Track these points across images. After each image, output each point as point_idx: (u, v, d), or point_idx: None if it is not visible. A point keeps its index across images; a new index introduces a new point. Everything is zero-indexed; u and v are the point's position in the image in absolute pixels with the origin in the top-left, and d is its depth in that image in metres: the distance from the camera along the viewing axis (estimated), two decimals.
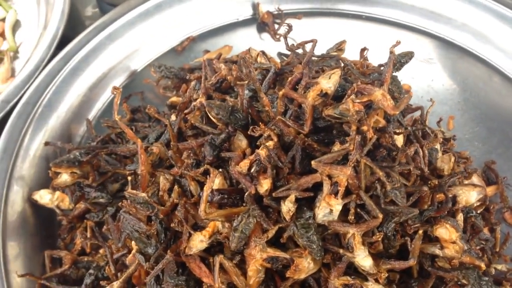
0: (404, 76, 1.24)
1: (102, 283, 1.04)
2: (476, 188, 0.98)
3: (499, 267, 1.11)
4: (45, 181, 1.23)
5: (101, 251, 1.12)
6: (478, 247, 1.07)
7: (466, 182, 1.05)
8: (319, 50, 1.15)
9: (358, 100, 0.92)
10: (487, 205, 1.19)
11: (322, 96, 0.96)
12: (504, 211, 1.23)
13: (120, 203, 0.95)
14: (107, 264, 1.04)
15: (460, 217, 0.98)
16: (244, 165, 0.93)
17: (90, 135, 1.32)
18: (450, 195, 0.95)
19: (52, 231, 1.23)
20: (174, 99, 1.34)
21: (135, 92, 1.45)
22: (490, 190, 1.25)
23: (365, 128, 0.90)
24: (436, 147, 1.08)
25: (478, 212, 1.15)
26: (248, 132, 0.96)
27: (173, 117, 1.20)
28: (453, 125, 1.38)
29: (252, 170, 0.92)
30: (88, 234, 1.11)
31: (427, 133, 1.15)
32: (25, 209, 1.20)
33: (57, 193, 1.18)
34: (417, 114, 1.22)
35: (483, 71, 1.47)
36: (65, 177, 1.16)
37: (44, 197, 1.18)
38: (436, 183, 0.95)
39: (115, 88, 1.00)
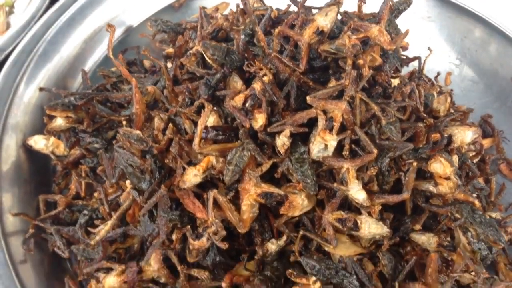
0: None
1: (97, 222, 1.04)
2: (471, 127, 0.97)
3: (493, 215, 1.11)
4: (39, 128, 1.22)
5: (95, 194, 1.12)
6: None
7: None
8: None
9: (354, 36, 0.91)
10: (483, 156, 1.19)
11: (318, 34, 0.96)
12: (499, 162, 1.23)
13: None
14: (101, 205, 1.04)
15: (455, 158, 0.97)
16: (239, 99, 0.93)
17: (86, 86, 1.31)
18: (446, 135, 0.94)
19: (47, 178, 1.23)
20: (170, 50, 1.34)
21: (131, 47, 1.44)
22: (486, 142, 1.25)
23: (361, 62, 0.90)
24: (433, 93, 1.08)
25: (474, 161, 1.16)
26: (243, 68, 0.95)
27: (169, 65, 1.19)
28: (450, 81, 1.37)
29: (247, 104, 0.92)
30: (83, 174, 1.10)
31: (424, 81, 1.14)
32: (19, 155, 1.19)
33: (52, 138, 1.18)
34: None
35: (481, 29, 1.46)
36: (59, 122, 1.15)
37: (38, 142, 1.17)
38: (432, 122, 0.95)
39: (109, 25, 0.99)
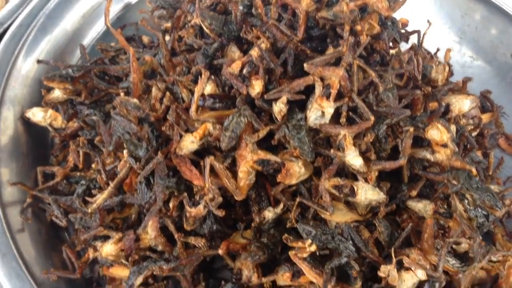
0: (401, 12, 1.22)
1: (94, 191, 1.04)
2: (469, 96, 0.97)
3: (492, 187, 1.11)
4: (37, 101, 1.22)
5: (93, 165, 1.12)
6: None
7: None
8: None
9: (352, 2, 0.91)
10: (481, 130, 1.19)
11: (316, 2, 0.95)
12: (498, 137, 1.23)
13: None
14: (99, 175, 1.04)
15: (453, 128, 0.97)
16: (236, 66, 0.92)
17: (84, 60, 1.30)
18: (443, 104, 0.94)
19: (45, 152, 1.23)
20: (168, 25, 1.33)
21: (130, 23, 1.44)
22: (485, 117, 1.24)
23: (358, 28, 0.89)
24: (432, 64, 1.08)
25: (472, 135, 1.15)
26: (241, 35, 0.95)
27: (167, 38, 1.19)
28: (450, 57, 1.36)
29: (244, 71, 0.92)
30: (81, 144, 1.10)
31: (424, 54, 1.14)
32: (17, 128, 1.19)
33: (50, 111, 1.18)
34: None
35: (482, 6, 1.45)
36: (57, 93, 1.15)
37: (36, 114, 1.17)
38: (430, 90, 0.94)
39: None
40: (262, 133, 0.90)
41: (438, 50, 1.32)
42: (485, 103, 1.28)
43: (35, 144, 1.22)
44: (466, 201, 0.90)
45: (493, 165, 1.19)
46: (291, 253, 0.87)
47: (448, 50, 1.38)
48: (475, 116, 1.20)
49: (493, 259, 0.96)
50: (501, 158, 1.20)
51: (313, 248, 0.84)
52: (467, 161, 1.06)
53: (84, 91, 1.15)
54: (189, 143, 0.91)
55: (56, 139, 1.19)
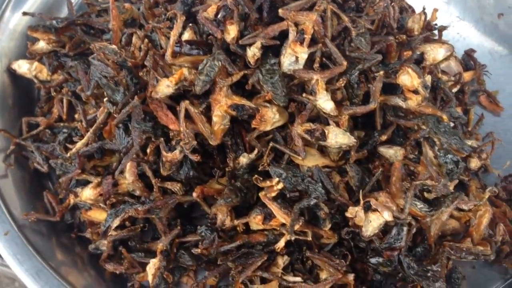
0: None
1: (75, 139, 1.06)
2: (444, 45, 0.97)
3: (469, 142, 1.12)
4: (24, 55, 1.23)
5: (76, 116, 1.13)
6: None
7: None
8: None
9: None
10: (462, 86, 1.20)
11: None
12: (479, 94, 1.24)
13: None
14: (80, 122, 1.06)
15: (428, 78, 0.97)
16: (211, 11, 0.93)
17: (71, 16, 1.31)
18: (418, 52, 0.94)
19: (31, 106, 1.24)
20: None
21: None
22: (468, 75, 1.25)
23: None
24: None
25: (453, 91, 1.16)
26: None
27: None
28: (436, 17, 1.36)
29: (219, 16, 0.93)
30: (64, 92, 1.12)
31: (405, 8, 1.14)
32: (3, 80, 1.20)
33: (35, 63, 1.19)
34: None
35: None
36: (41, 44, 1.17)
37: (22, 66, 1.19)
38: (404, 38, 0.95)
39: None
40: (236, 77, 0.91)
41: (424, 8, 1.31)
42: (468, 62, 1.28)
43: (22, 96, 1.23)
44: (436, 148, 0.91)
45: (473, 122, 1.19)
46: (261, 194, 0.88)
47: (435, 10, 1.36)
48: (458, 73, 1.20)
49: (465, 208, 0.98)
50: (481, 114, 1.20)
51: (280, 186, 0.86)
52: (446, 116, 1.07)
53: (68, 43, 1.16)
54: (165, 87, 0.93)
55: (42, 91, 1.20)
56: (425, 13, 1.03)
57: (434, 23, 1.28)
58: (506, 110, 1.23)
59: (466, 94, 1.18)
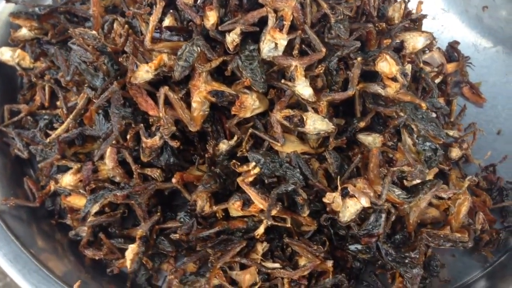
0: None
1: (56, 125, 1.06)
2: (423, 34, 0.98)
3: (451, 133, 1.13)
4: (7, 43, 1.23)
5: (58, 103, 1.13)
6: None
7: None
8: None
9: None
10: (445, 77, 1.20)
11: None
12: (462, 85, 1.24)
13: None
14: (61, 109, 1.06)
15: (409, 67, 0.98)
16: None
17: (55, 3, 1.30)
18: (397, 41, 0.95)
19: (13, 94, 1.23)
20: None
21: None
22: (451, 66, 1.25)
23: None
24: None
25: (436, 82, 1.16)
26: None
27: None
28: (421, 9, 1.36)
29: (199, 1, 0.93)
30: (46, 79, 1.12)
31: None
32: None
33: (18, 50, 1.19)
34: None
35: None
36: (24, 31, 1.16)
37: (5, 53, 1.18)
38: (384, 26, 0.95)
39: None
40: (215, 63, 0.91)
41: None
42: (452, 53, 1.29)
43: (4, 84, 1.23)
44: (415, 136, 0.91)
45: (456, 113, 1.20)
46: (238, 179, 0.89)
47: (420, 2, 1.37)
48: (441, 64, 1.20)
49: (444, 196, 0.98)
50: (464, 105, 1.21)
51: (257, 170, 0.86)
52: (428, 106, 1.08)
53: (51, 31, 1.16)
54: (144, 72, 0.92)
55: (24, 79, 1.20)
56: (405, 2, 1.04)
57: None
58: (488, 101, 1.23)
59: (449, 85, 1.19)
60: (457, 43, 1.30)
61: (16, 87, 1.25)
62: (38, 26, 1.15)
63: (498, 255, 1.04)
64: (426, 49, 1.22)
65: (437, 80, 1.18)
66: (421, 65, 1.08)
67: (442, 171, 1.05)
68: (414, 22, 1.19)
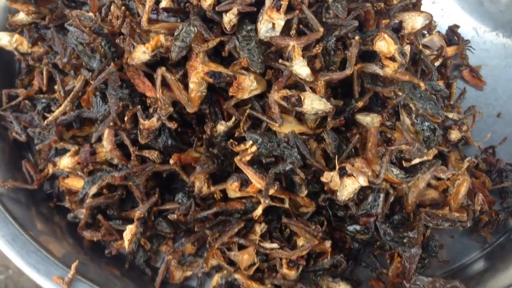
0: None
1: (53, 108, 1.06)
2: (422, 13, 0.97)
3: (450, 115, 1.12)
4: (5, 28, 1.23)
5: (55, 87, 1.13)
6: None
7: None
8: None
9: None
10: (445, 61, 1.19)
11: None
12: (462, 69, 1.23)
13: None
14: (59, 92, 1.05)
15: (407, 48, 0.97)
16: None
17: None
18: (396, 20, 0.94)
19: (11, 79, 1.23)
20: None
21: None
22: (451, 50, 1.24)
23: None
24: None
25: (435, 64, 1.16)
26: None
27: None
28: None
29: None
30: (44, 63, 1.11)
31: None
32: None
33: (16, 35, 1.18)
34: None
35: None
36: (21, 16, 1.16)
37: (3, 38, 1.18)
38: (382, 6, 0.94)
39: None
40: (212, 43, 0.91)
41: None
42: (452, 37, 1.28)
43: (2, 69, 1.23)
44: (413, 116, 0.91)
45: (456, 96, 1.19)
46: (236, 159, 0.88)
47: None
48: (440, 46, 1.20)
49: (443, 177, 0.98)
50: (463, 89, 1.20)
51: (254, 149, 0.86)
52: (427, 89, 1.07)
53: (49, 15, 1.16)
54: (141, 53, 0.92)
55: (22, 64, 1.20)
56: None
57: None
58: (488, 84, 1.22)
59: (449, 68, 1.18)
60: (457, 26, 1.29)
61: (14, 72, 1.25)
62: (36, 11, 1.15)
63: (497, 236, 1.04)
64: (426, 32, 1.22)
65: (437, 63, 1.17)
66: (420, 47, 1.07)
67: (442, 153, 1.04)
68: (413, 5, 1.18)
